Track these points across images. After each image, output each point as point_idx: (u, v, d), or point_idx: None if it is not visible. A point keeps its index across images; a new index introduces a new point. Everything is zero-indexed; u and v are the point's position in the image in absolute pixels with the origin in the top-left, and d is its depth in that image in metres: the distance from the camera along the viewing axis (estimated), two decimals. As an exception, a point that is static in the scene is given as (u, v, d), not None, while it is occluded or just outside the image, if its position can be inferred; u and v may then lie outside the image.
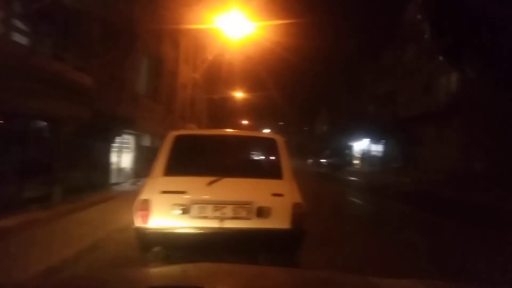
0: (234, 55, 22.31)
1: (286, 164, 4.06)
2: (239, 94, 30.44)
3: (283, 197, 3.70)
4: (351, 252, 5.21)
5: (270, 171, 4.09)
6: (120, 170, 12.35)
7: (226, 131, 5.11)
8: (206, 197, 3.65)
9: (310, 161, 46.59)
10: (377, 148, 30.23)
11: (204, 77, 25.31)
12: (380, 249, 5.60)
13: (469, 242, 6.29)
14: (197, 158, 4.21)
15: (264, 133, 4.98)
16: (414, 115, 22.37)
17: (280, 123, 65.06)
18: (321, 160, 40.96)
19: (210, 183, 3.69)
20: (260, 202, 3.64)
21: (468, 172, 16.81)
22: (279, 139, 4.29)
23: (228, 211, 3.61)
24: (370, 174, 25.59)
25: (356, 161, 36.04)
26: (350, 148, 37.51)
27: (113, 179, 11.45)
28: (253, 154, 4.61)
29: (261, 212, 3.61)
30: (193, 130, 5.37)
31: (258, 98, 36.62)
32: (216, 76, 25.97)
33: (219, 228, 3.56)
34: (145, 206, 3.55)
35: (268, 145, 4.30)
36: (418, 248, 5.69)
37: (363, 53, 29.91)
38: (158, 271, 1.87)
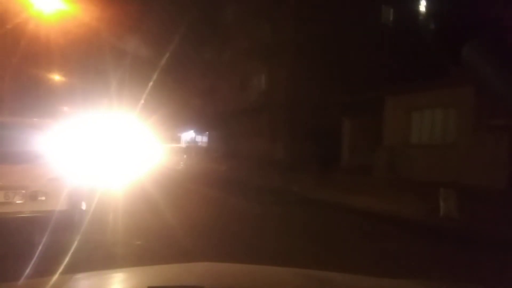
0: (55, 35, 20.05)
1: (62, 149, 4.45)
2: (57, 77, 27.57)
3: (58, 180, 4.11)
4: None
5: (47, 157, 4.31)
6: None
7: None
8: None
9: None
10: (202, 139, 32.14)
11: (8, 54, 21.97)
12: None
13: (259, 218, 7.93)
14: None
15: (36, 120, 5.14)
16: (232, 109, 24.73)
17: (119, 112, 60.46)
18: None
19: None
20: (35, 187, 3.97)
21: (272, 160, 19.78)
22: (52, 125, 4.63)
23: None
24: (195, 163, 26.96)
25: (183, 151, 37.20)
26: (178, 138, 38.64)
27: None
28: (24, 140, 4.57)
29: (36, 196, 3.94)
30: None
31: (89, 83, 33.59)
32: (30, 55, 22.83)
33: None
34: None
35: (41, 131, 4.54)
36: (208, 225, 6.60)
37: (188, 47, 30.78)
38: (158, 271, 1.83)
